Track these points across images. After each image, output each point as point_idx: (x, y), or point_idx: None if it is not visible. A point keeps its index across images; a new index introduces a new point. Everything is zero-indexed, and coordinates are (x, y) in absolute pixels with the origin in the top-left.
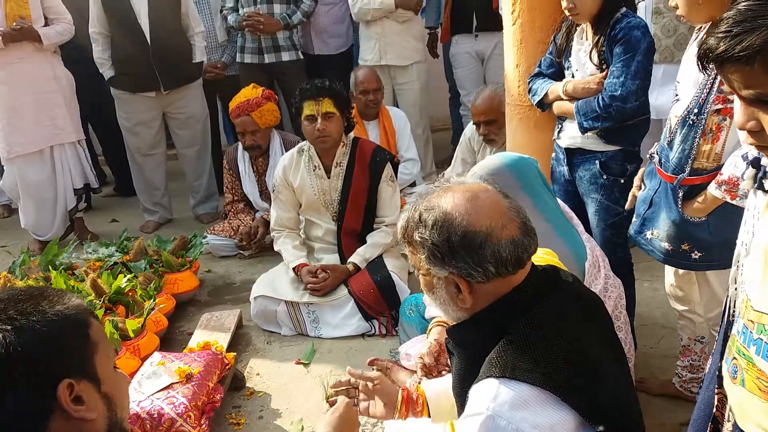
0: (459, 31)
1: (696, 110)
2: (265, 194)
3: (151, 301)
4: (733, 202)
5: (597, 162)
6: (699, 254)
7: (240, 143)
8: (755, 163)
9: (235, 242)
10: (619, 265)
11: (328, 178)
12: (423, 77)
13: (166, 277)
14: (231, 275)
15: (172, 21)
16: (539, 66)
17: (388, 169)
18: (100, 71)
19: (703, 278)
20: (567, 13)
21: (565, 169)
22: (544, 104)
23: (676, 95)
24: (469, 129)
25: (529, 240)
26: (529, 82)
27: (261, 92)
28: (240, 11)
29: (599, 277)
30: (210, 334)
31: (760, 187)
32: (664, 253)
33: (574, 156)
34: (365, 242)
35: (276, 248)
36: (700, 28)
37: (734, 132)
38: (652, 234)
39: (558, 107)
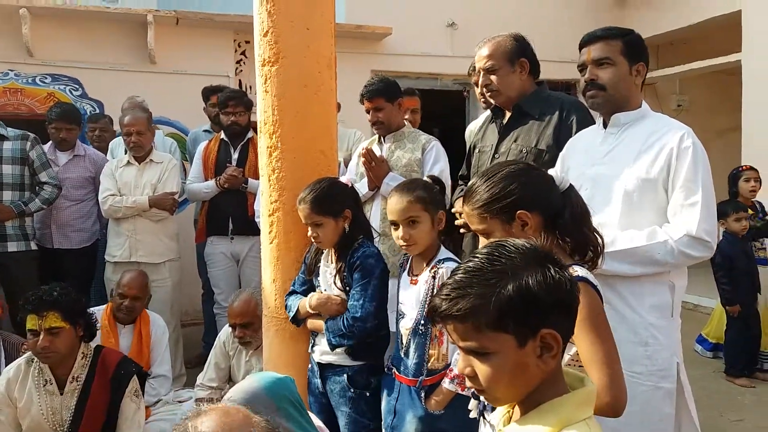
0: (215, 232)
1: (422, 322)
2: None
3: None
4: (464, 393)
5: (345, 376)
6: None
7: None
8: (476, 396)
9: None
10: None
11: (61, 394)
12: (175, 275)
13: None
14: None
15: None
16: (293, 285)
17: (134, 382)
18: None
19: None
20: (312, 240)
21: (318, 381)
22: (299, 320)
23: (402, 313)
24: (224, 333)
25: None
26: (285, 299)
27: None
28: None
29: None
30: None
31: (482, 415)
32: None
33: (325, 370)
34: None
35: None
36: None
37: None
38: None
39: (311, 324)
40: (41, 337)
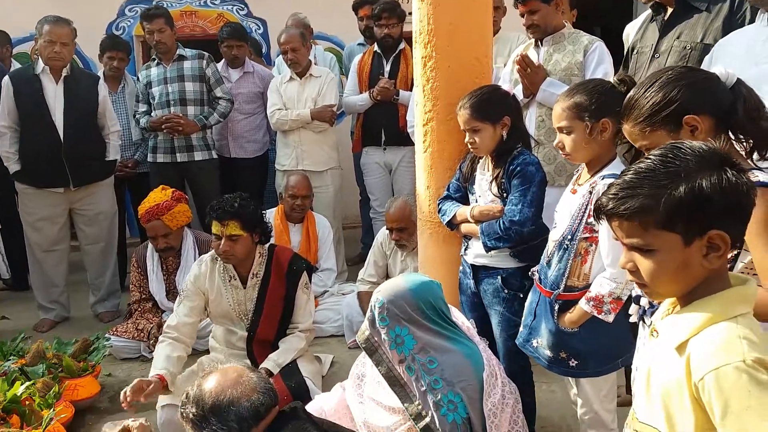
0: (369, 143)
1: (569, 236)
2: (172, 294)
3: (50, 410)
4: (600, 316)
5: (499, 278)
6: (575, 362)
7: (150, 244)
8: (636, 300)
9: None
10: (520, 374)
11: (244, 288)
12: (337, 182)
13: (66, 383)
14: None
15: (87, 120)
16: (447, 190)
17: (304, 276)
18: (5, 164)
19: (579, 384)
20: (469, 146)
21: (471, 282)
22: (453, 224)
23: (555, 223)
24: (382, 234)
25: (266, 398)
26: (438, 204)
27: (171, 194)
28: (153, 114)
29: (497, 386)
30: None
31: (642, 320)
32: (547, 359)
33: (479, 272)
34: (278, 348)
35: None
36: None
37: (599, 256)
38: (537, 342)
39: (465, 228)
40: (222, 242)
